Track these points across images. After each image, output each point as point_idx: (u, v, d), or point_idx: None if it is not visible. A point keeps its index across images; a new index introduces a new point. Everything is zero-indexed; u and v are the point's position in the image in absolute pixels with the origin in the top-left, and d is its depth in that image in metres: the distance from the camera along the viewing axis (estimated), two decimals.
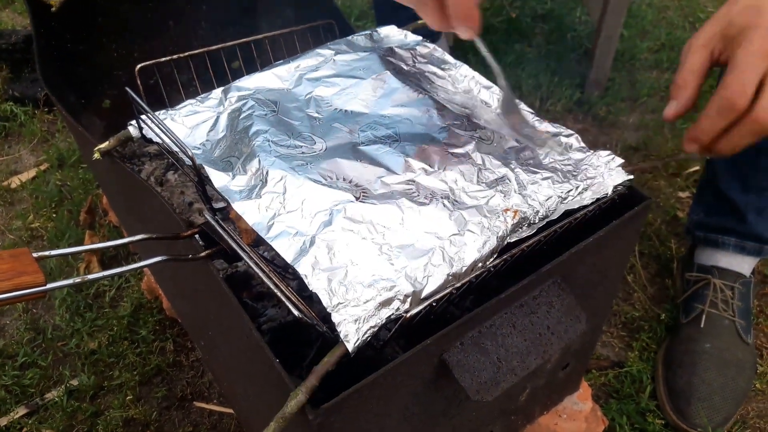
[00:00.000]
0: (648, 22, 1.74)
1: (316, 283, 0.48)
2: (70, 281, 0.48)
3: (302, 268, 0.48)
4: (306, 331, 0.75)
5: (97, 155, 0.66)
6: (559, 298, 0.57)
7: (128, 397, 0.97)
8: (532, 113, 0.68)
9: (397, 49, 0.76)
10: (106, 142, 0.66)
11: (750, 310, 1.01)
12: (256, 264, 0.51)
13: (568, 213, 0.58)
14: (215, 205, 0.59)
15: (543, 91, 1.50)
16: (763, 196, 0.95)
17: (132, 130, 0.67)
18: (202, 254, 0.55)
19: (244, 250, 0.52)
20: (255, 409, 0.68)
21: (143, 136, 0.66)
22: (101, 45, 1.07)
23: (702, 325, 0.99)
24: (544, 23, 1.73)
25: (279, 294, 0.49)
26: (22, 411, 0.96)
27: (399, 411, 0.53)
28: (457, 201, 0.55)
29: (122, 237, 1.17)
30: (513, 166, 0.59)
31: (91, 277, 0.49)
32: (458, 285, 0.51)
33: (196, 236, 0.58)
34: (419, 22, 0.88)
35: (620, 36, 1.55)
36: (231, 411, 0.96)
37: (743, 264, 1.02)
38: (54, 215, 1.24)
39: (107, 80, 1.12)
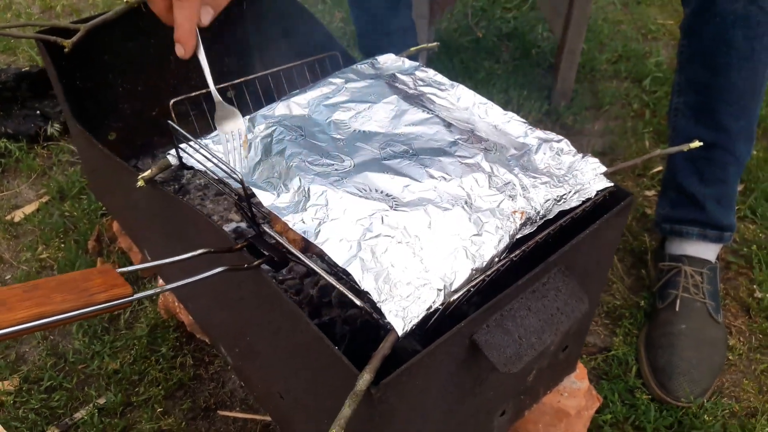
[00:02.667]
0: (605, 36, 1.88)
1: (366, 283, 0.56)
2: (151, 292, 0.56)
3: (353, 270, 0.57)
4: (333, 329, 0.83)
5: (141, 183, 0.73)
6: (564, 283, 0.66)
7: (158, 410, 1.03)
8: (524, 122, 0.78)
9: (398, 75, 0.85)
10: (149, 171, 0.73)
11: (718, 292, 1.13)
12: (316, 264, 0.59)
13: (561, 213, 0.68)
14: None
15: (513, 105, 1.61)
16: (718, 187, 1.07)
17: (171, 158, 0.74)
18: (255, 263, 0.63)
19: (300, 256, 0.60)
20: (299, 405, 0.75)
21: (182, 164, 0.73)
22: (107, 81, 1.14)
23: (677, 309, 1.10)
24: (510, 41, 1.86)
25: (341, 288, 0.57)
26: None
27: (438, 388, 0.62)
28: (474, 205, 0.64)
29: (131, 263, 1.23)
30: (516, 172, 0.68)
31: (168, 287, 0.57)
32: (480, 278, 0.60)
33: (245, 249, 0.65)
34: (412, 49, 0.97)
35: (581, 50, 1.67)
36: (254, 417, 1.03)
37: (708, 251, 1.13)
38: (62, 245, 1.29)
39: (113, 114, 1.18)
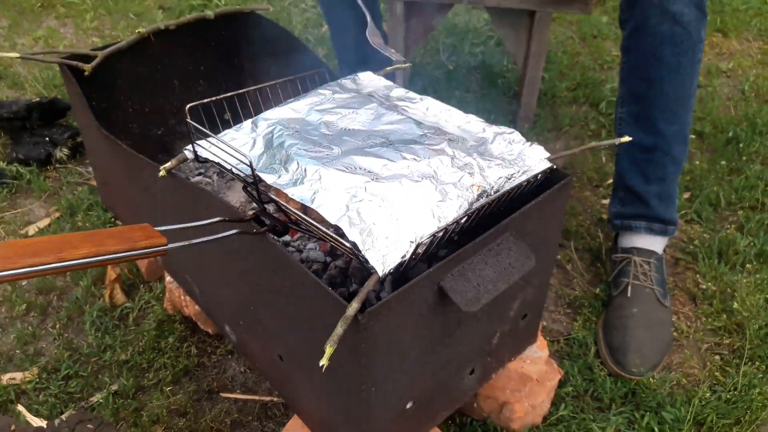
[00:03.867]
0: (564, 66, 2.07)
1: (353, 236, 0.70)
2: (185, 242, 0.69)
3: (342, 224, 0.70)
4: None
5: (163, 173, 0.87)
6: (515, 244, 0.80)
7: (167, 389, 1.14)
8: (482, 121, 0.93)
9: (376, 90, 1.01)
10: (169, 163, 0.87)
11: (665, 280, 1.28)
12: (311, 223, 0.73)
13: (512, 189, 0.83)
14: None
15: None
16: (659, 185, 1.23)
17: (187, 153, 0.88)
18: (263, 229, 0.76)
19: (301, 217, 0.74)
20: (298, 361, 0.87)
21: (197, 157, 0.87)
22: (119, 102, 1.28)
23: (629, 295, 1.24)
24: (478, 72, 2.04)
25: (332, 239, 0.71)
26: (72, 413, 1.11)
27: (413, 327, 0.75)
28: (439, 179, 0.78)
29: (138, 267, 1.35)
30: (474, 156, 0.83)
31: (194, 241, 0.70)
32: (442, 233, 0.74)
33: (252, 221, 0.79)
34: (387, 69, 1.13)
35: (542, 79, 1.86)
36: (253, 397, 1.14)
37: (654, 243, 1.28)
38: None
39: (123, 133, 1.32)
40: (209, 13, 1.28)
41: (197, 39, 1.32)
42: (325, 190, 0.75)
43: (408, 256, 0.71)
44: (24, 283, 1.37)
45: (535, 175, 0.84)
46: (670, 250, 1.43)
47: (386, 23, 1.70)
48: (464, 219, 0.77)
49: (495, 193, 0.81)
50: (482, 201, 0.79)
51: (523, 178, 0.84)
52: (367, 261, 0.69)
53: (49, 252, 0.58)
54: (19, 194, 1.61)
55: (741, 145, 1.71)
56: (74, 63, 1.14)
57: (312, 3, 2.42)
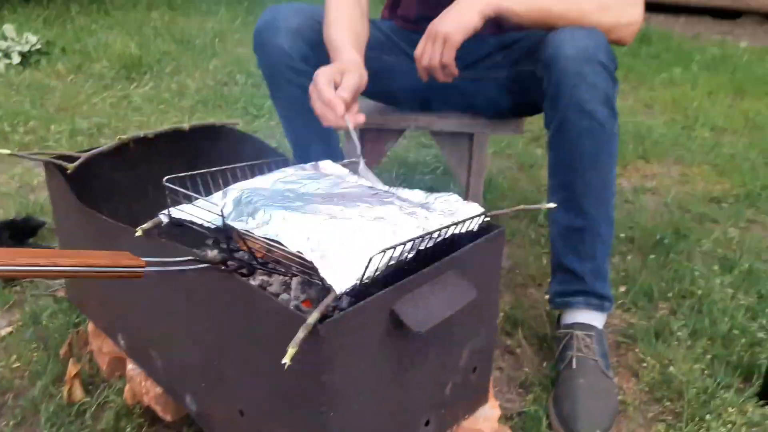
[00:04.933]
0: (506, 189, 2.28)
1: (313, 259, 0.79)
2: (161, 267, 0.77)
3: (304, 250, 0.80)
4: None
5: (139, 233, 0.96)
6: (458, 279, 0.90)
7: None
8: (425, 192, 1.06)
9: (335, 172, 1.15)
10: (146, 224, 0.97)
11: (607, 353, 1.36)
12: (276, 260, 0.82)
13: (454, 236, 0.95)
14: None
15: None
16: (592, 262, 1.36)
17: (162, 217, 0.98)
18: (232, 269, 0.85)
19: (267, 256, 0.83)
20: (261, 405, 0.91)
21: (171, 220, 0.97)
22: (96, 203, 1.38)
23: (574, 366, 1.32)
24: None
25: (295, 265, 0.80)
26: None
27: (368, 351, 0.82)
28: (389, 221, 0.90)
29: (99, 367, 1.37)
30: (419, 208, 0.96)
31: (170, 261, 0.78)
32: (393, 264, 0.84)
33: (222, 265, 0.88)
34: (343, 162, 1.28)
35: (485, 198, 2.04)
36: None
37: (594, 318, 1.38)
38: (35, 355, 1.43)
39: None
40: (184, 126, 1.44)
41: (172, 148, 1.46)
42: (288, 228, 0.85)
43: (362, 278, 0.80)
44: None
45: (471, 220, 0.96)
46: (612, 335, 1.53)
47: (343, 147, 1.89)
48: (411, 253, 0.87)
49: (436, 238, 0.93)
50: (427, 240, 0.90)
51: (460, 227, 0.96)
52: (325, 280, 0.78)
53: (44, 257, 0.66)
54: None
55: (667, 245, 1.88)
56: (58, 162, 1.26)
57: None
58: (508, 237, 1.97)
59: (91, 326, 1.38)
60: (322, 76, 1.16)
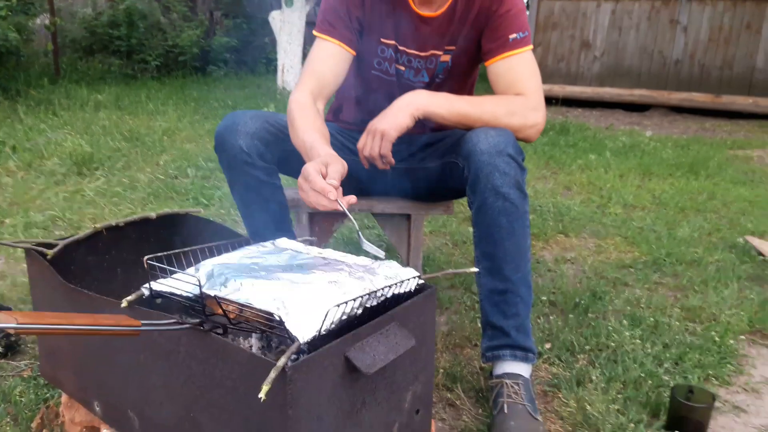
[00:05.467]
0: (442, 263, 2.50)
1: (281, 315, 0.97)
2: (154, 328, 0.93)
3: (272, 309, 0.98)
4: None
5: (125, 304, 1.12)
6: (399, 329, 1.09)
7: None
8: (371, 260, 1.26)
9: (291, 247, 1.34)
10: (131, 296, 1.13)
11: (534, 398, 1.55)
12: (245, 320, 0.99)
13: (394, 295, 1.14)
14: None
15: None
16: (515, 319, 1.57)
17: (144, 290, 1.14)
18: (208, 329, 1.02)
19: (239, 316, 1.00)
20: None
21: (152, 292, 1.14)
22: (72, 285, 1.52)
23: (506, 411, 1.50)
24: None
25: (263, 323, 0.97)
26: None
27: (327, 392, 0.99)
28: (341, 284, 1.09)
29: None
30: (365, 273, 1.15)
31: (163, 326, 0.94)
32: (345, 318, 1.03)
33: (201, 326, 1.04)
34: (297, 240, 1.47)
35: (423, 270, 2.25)
36: None
37: (520, 368, 1.58)
38: (7, 429, 1.51)
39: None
40: (152, 214, 1.62)
41: (140, 235, 1.62)
42: (257, 292, 1.03)
43: (320, 329, 0.98)
44: None
45: (408, 281, 1.16)
46: (539, 385, 1.73)
47: (295, 228, 2.08)
48: (360, 308, 1.06)
49: (380, 296, 1.12)
50: (372, 298, 1.10)
51: (400, 287, 1.16)
52: (290, 332, 0.96)
53: (64, 318, 0.82)
54: None
55: (585, 305, 2.12)
56: (39, 248, 1.41)
57: None
58: (446, 305, 2.18)
59: (64, 398, 1.48)
60: (311, 168, 1.29)
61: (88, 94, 6.54)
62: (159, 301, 1.18)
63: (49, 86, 6.92)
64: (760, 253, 2.60)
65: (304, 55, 7.92)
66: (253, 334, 1.27)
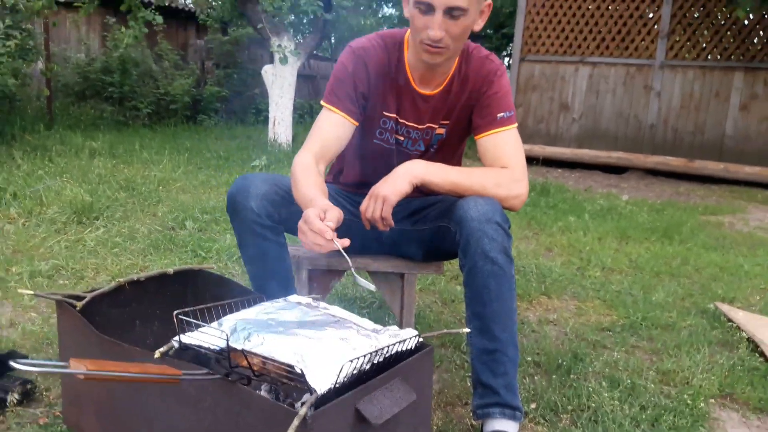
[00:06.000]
0: (432, 321, 2.64)
1: (301, 368, 1.10)
2: (190, 377, 1.05)
3: (293, 363, 1.11)
4: None
5: (158, 355, 1.24)
6: (402, 385, 1.22)
7: None
8: (376, 325, 1.40)
9: (302, 303, 1.48)
10: (163, 348, 1.25)
11: None
12: (269, 371, 1.12)
13: (397, 353, 1.28)
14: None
15: None
16: (504, 378, 1.70)
17: (174, 342, 1.26)
18: (235, 379, 1.14)
19: (262, 368, 1.13)
20: None
21: (181, 344, 1.26)
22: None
23: None
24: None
25: (285, 375, 1.10)
26: None
27: None
28: (350, 341, 1.22)
29: None
30: (371, 332, 1.29)
31: (195, 375, 1.06)
32: (355, 372, 1.16)
33: (227, 376, 1.17)
34: (304, 297, 1.61)
35: (415, 327, 2.38)
36: None
37: (509, 426, 1.70)
38: None
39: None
40: (169, 270, 1.74)
41: (158, 289, 1.75)
42: (279, 347, 1.16)
43: (336, 382, 1.11)
44: None
45: (409, 339, 1.30)
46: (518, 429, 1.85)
47: (295, 284, 2.21)
48: (369, 365, 1.20)
49: (385, 353, 1.26)
50: (379, 355, 1.23)
51: (402, 345, 1.30)
52: (309, 384, 1.09)
53: (118, 366, 0.95)
54: None
55: (567, 367, 2.25)
56: (69, 300, 1.53)
57: None
58: (436, 363, 2.30)
59: None
60: (311, 213, 1.50)
61: (83, 140, 6.68)
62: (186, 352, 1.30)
63: (45, 132, 7.05)
64: (729, 320, 2.77)
65: (295, 108, 8.18)
66: (263, 387, 1.40)
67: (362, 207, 1.75)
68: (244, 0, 7.73)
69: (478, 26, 1.78)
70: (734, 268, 3.66)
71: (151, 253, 3.29)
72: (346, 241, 1.48)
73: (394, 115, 1.92)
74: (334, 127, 1.87)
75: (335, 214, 1.53)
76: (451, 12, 1.66)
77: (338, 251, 1.45)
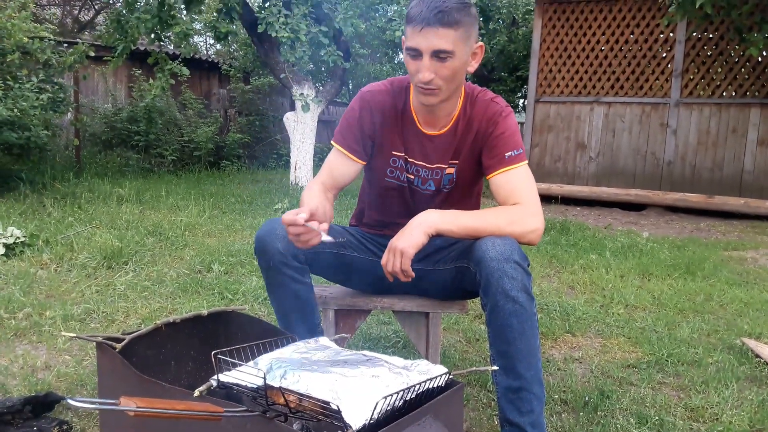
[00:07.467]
0: (457, 360, 2.66)
1: (336, 404, 1.15)
2: (230, 414, 1.10)
3: (329, 399, 1.15)
4: None
5: (197, 394, 1.29)
6: (434, 421, 1.26)
7: None
8: (407, 360, 1.44)
9: (332, 345, 1.53)
10: (202, 387, 1.30)
11: None
12: (305, 408, 1.17)
13: (428, 390, 1.32)
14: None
15: None
16: (530, 416, 1.72)
17: (213, 381, 1.32)
18: (273, 416, 1.19)
19: (298, 405, 1.18)
20: None
21: (219, 383, 1.31)
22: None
23: None
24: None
25: (321, 411, 1.14)
26: None
27: None
28: (382, 378, 1.27)
29: None
30: (402, 369, 1.33)
31: (235, 412, 1.11)
32: (389, 408, 1.20)
33: (263, 413, 1.21)
34: (334, 337, 1.66)
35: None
36: None
37: None
38: None
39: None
40: (204, 311, 1.81)
41: (192, 330, 1.81)
42: (314, 385, 1.21)
43: (371, 418, 1.16)
44: None
45: (440, 377, 1.34)
46: None
47: (322, 324, 2.26)
48: (401, 402, 1.24)
49: (416, 390, 1.30)
50: (411, 392, 1.27)
51: (432, 382, 1.34)
52: (345, 420, 1.13)
53: (167, 404, 1.00)
54: None
55: (594, 404, 2.26)
56: (109, 342, 1.59)
57: None
58: (464, 401, 2.31)
59: None
60: (287, 213, 1.70)
61: (110, 187, 6.86)
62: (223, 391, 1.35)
63: (74, 180, 7.26)
64: (757, 355, 2.76)
65: (315, 152, 8.35)
66: (295, 424, 1.44)
67: (383, 261, 1.81)
68: (265, 51, 7.98)
69: (472, 68, 1.87)
70: (760, 304, 3.64)
71: (180, 296, 3.36)
72: (324, 225, 1.71)
73: (403, 154, 2.01)
74: (341, 164, 2.03)
75: (309, 207, 1.72)
76: (437, 54, 1.76)
77: (328, 241, 1.69)
